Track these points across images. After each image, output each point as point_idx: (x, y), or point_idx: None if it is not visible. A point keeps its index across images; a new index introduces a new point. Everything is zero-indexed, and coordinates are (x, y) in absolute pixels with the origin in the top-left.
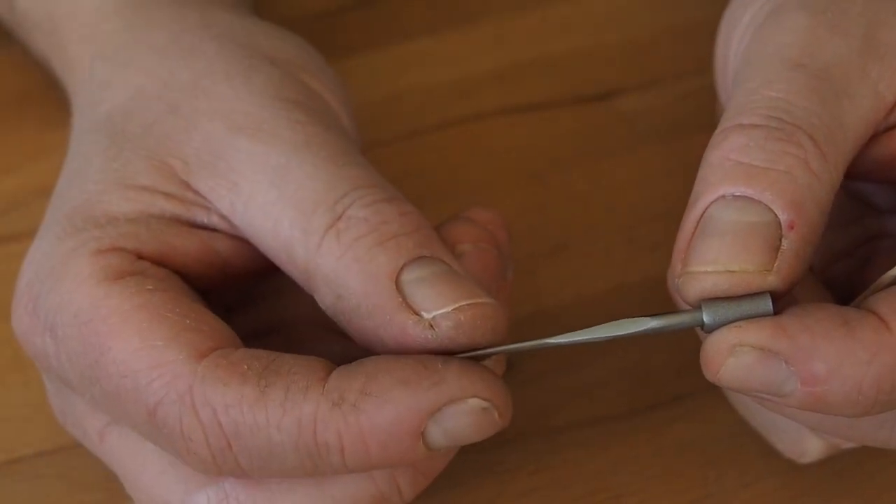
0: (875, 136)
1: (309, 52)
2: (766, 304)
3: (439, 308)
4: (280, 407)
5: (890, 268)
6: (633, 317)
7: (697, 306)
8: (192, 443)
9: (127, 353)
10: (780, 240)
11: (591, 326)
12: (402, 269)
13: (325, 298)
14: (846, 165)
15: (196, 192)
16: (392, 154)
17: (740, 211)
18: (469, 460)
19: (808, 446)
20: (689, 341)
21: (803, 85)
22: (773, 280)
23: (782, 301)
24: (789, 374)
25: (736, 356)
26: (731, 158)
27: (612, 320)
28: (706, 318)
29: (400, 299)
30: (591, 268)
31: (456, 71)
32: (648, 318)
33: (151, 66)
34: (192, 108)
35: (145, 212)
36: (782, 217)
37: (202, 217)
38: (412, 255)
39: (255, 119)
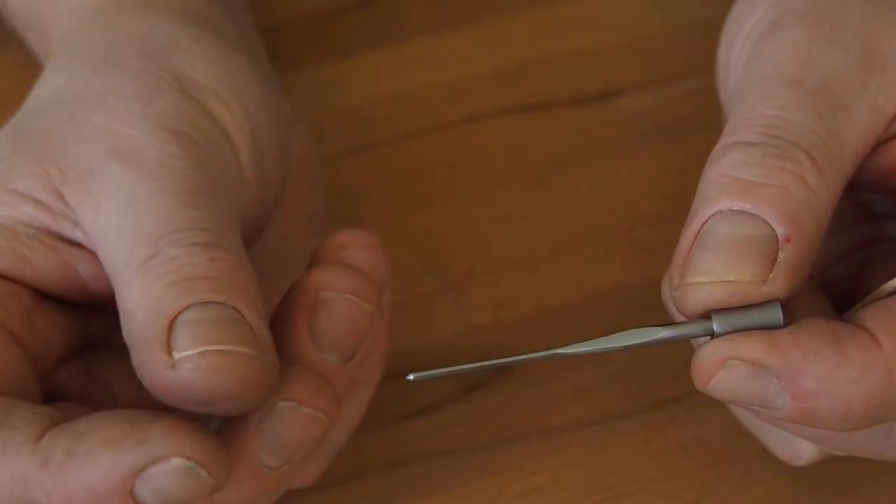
0: (875, 147)
1: (234, 76)
2: (776, 314)
3: (188, 349)
4: None
5: (888, 275)
6: (644, 326)
7: (707, 315)
8: None
9: None
10: (777, 253)
11: (601, 336)
12: (185, 309)
13: (124, 333)
14: (845, 181)
15: (67, 204)
16: (392, 154)
17: (737, 225)
18: (468, 461)
19: (802, 450)
20: (689, 342)
21: (801, 102)
22: (769, 290)
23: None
24: (779, 389)
25: (727, 369)
26: (728, 175)
27: (619, 326)
28: (716, 327)
29: (163, 337)
30: (592, 268)
31: (456, 71)
32: (659, 328)
33: (75, 73)
34: (87, 120)
35: (14, 217)
36: (779, 231)
37: (69, 230)
38: (201, 299)
39: (133, 145)
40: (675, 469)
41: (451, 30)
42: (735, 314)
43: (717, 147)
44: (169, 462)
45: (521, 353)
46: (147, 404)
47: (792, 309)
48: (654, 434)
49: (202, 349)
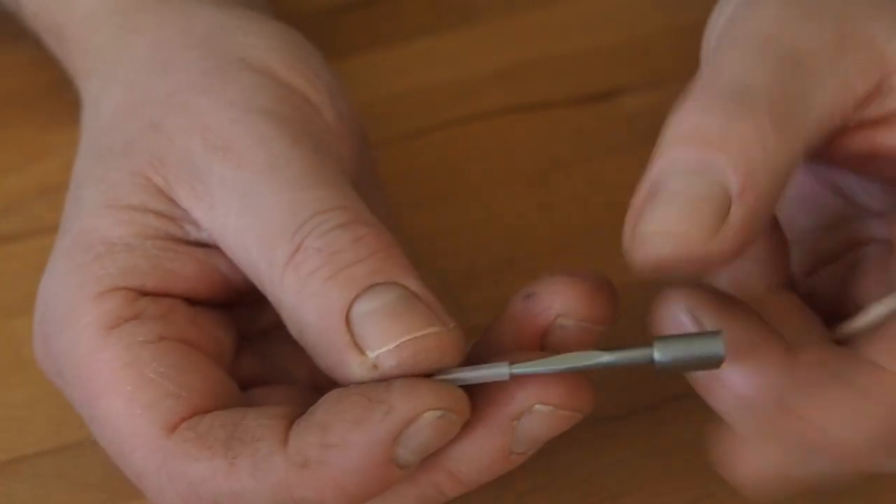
0: (854, 129)
1: (290, 43)
2: (718, 346)
3: (382, 346)
4: (251, 477)
5: (876, 283)
6: (588, 350)
7: (648, 343)
8: None
9: (112, 416)
10: (729, 207)
11: (547, 357)
12: (354, 301)
13: (293, 332)
14: (806, 145)
15: (182, 209)
16: (393, 154)
17: (690, 176)
18: None
19: None
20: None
21: (766, 62)
22: (715, 246)
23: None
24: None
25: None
26: (686, 126)
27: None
28: (657, 354)
29: (348, 337)
30: (592, 268)
31: (456, 71)
32: (600, 353)
33: (133, 80)
34: (171, 123)
35: (140, 234)
36: (733, 184)
37: (195, 233)
38: (364, 285)
39: (227, 137)
40: (675, 469)
41: (451, 30)
42: (676, 342)
43: (680, 101)
44: (421, 419)
45: (466, 368)
46: (320, 379)
47: (775, 324)
48: (653, 434)
49: (396, 343)
